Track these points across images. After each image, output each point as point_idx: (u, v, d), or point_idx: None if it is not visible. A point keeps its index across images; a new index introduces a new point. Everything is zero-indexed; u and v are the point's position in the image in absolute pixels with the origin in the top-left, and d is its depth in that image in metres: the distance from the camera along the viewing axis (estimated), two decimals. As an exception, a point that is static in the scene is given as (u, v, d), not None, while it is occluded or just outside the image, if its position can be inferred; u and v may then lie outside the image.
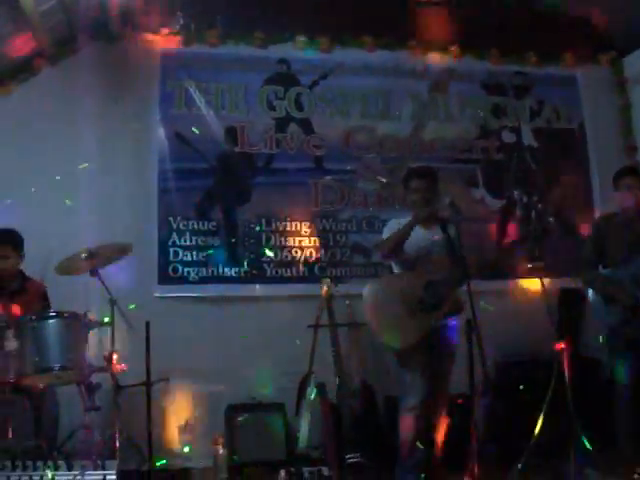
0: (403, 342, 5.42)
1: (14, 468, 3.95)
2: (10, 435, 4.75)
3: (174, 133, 7.04)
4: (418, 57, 7.73)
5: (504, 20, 7.68)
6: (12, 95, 6.87)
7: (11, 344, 4.87)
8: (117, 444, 5.06)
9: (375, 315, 5.60)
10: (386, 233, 5.67)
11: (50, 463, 3.97)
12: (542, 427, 5.11)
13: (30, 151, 6.71)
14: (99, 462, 3.95)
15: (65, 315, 5.08)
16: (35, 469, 3.94)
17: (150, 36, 7.14)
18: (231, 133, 7.18)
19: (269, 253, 7.06)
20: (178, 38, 7.19)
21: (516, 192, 7.60)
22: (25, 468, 3.95)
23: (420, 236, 5.56)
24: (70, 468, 3.91)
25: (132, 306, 5.85)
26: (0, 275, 5.71)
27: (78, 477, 3.83)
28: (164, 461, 6.28)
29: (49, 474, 3.88)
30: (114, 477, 3.84)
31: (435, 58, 7.79)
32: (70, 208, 6.69)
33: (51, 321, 5.01)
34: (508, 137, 7.88)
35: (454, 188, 7.40)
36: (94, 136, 6.83)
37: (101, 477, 3.83)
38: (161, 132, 7.04)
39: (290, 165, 7.27)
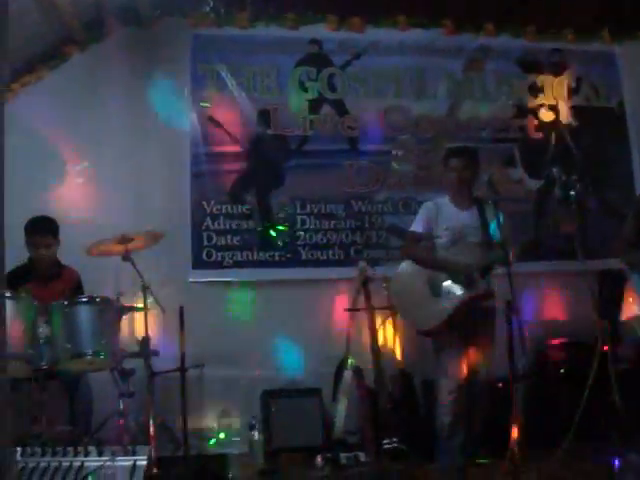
0: (424, 324, 5.49)
1: (44, 454, 3.89)
2: (43, 421, 4.72)
3: (206, 116, 6.97)
4: (452, 35, 7.55)
5: (540, -4, 7.49)
6: (43, 81, 6.83)
7: (44, 330, 4.83)
8: (151, 430, 5.01)
9: (400, 296, 5.72)
10: (419, 219, 5.68)
11: (80, 449, 3.91)
12: (584, 411, 4.99)
13: (62, 136, 6.68)
14: (130, 448, 3.88)
15: (97, 300, 5.04)
16: (65, 455, 3.88)
17: (180, 19, 7.05)
18: (264, 115, 7.11)
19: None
20: (209, 21, 7.09)
21: (555, 171, 7.42)
22: (55, 454, 3.90)
23: (454, 216, 5.52)
24: (101, 454, 3.86)
25: (165, 291, 5.84)
26: (38, 262, 5.73)
27: (108, 463, 3.78)
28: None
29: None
30: (145, 462, 3.78)
31: (470, 36, 7.62)
32: (102, 193, 6.68)
33: (83, 306, 4.98)
34: (546, 116, 7.70)
35: (491, 168, 7.25)
36: (126, 121, 6.85)
37: (131, 462, 3.77)
38: (193, 116, 6.97)
39: (324, 147, 7.18)
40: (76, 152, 6.72)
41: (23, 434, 4.45)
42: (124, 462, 3.80)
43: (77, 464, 3.80)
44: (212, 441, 6.51)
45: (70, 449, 3.91)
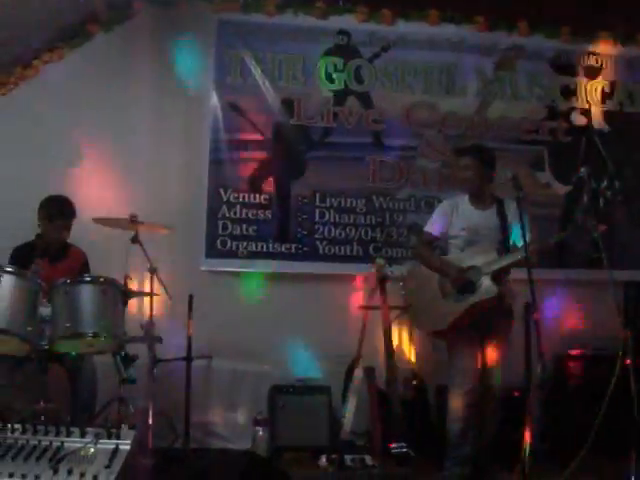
0: (431, 326, 5.53)
1: (24, 431, 3.77)
2: (42, 403, 4.64)
3: (228, 103, 6.85)
4: (484, 32, 7.36)
5: (576, -3, 7.32)
6: (65, 60, 6.75)
7: (45, 310, 4.71)
8: (149, 418, 4.89)
9: (412, 297, 5.71)
10: (432, 220, 5.67)
11: (62, 429, 3.79)
12: (602, 424, 4.81)
13: (82, 117, 6.63)
14: (113, 431, 3.75)
15: (100, 280, 4.89)
16: (46, 434, 3.76)
17: (206, 4, 6.92)
18: (287, 105, 6.97)
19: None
20: (235, 6, 6.95)
21: (584, 174, 7.24)
22: (35, 432, 3.77)
23: (471, 216, 5.47)
24: (83, 435, 3.73)
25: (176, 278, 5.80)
26: (48, 241, 5.69)
27: (89, 445, 3.64)
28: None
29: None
30: (127, 447, 3.64)
31: (502, 34, 7.43)
32: (119, 176, 6.60)
33: (85, 286, 4.83)
34: (577, 119, 7.51)
35: (519, 170, 7.07)
36: (146, 103, 6.79)
37: (114, 446, 3.63)
38: (215, 101, 6.84)
39: (347, 140, 7.03)
40: (94, 134, 6.63)
41: (2, 409, 4.38)
42: (106, 445, 3.65)
43: (57, 444, 3.65)
44: (215, 435, 6.44)
45: (52, 428, 3.78)
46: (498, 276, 5.20)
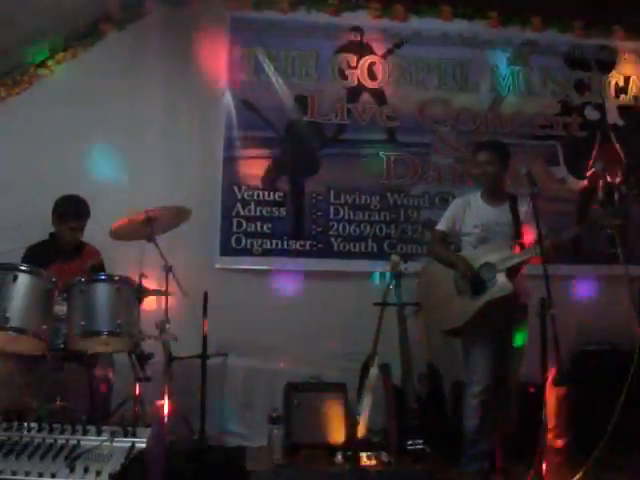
0: (446, 324, 5.47)
1: (40, 429, 3.79)
2: (59, 401, 4.67)
3: (241, 101, 6.85)
4: (497, 28, 7.34)
5: (589, -10, 7.28)
6: (78, 60, 6.73)
7: (60, 308, 4.74)
8: (165, 416, 4.90)
9: (424, 294, 5.74)
10: (444, 217, 5.68)
11: (79, 427, 3.80)
12: (618, 420, 4.78)
13: (96, 116, 6.60)
14: (129, 429, 3.75)
15: (115, 279, 4.92)
16: (63, 432, 3.77)
17: (219, 1, 6.91)
18: (301, 102, 6.96)
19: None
20: (248, 3, 6.94)
21: (599, 172, 7.22)
22: (52, 430, 3.79)
23: (484, 213, 5.46)
24: (99, 433, 3.75)
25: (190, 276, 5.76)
26: (63, 240, 5.71)
27: (105, 443, 3.65)
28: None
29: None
30: (144, 445, 3.65)
31: (515, 29, 7.41)
32: (132, 174, 6.60)
33: (100, 284, 4.87)
34: (591, 114, 7.47)
35: (533, 165, 7.05)
36: (160, 101, 6.77)
37: (129, 444, 3.64)
38: (228, 99, 6.84)
39: (361, 136, 7.02)
40: (108, 133, 6.63)
41: (20, 408, 4.39)
42: (122, 443, 3.66)
43: (73, 442, 3.67)
44: (230, 433, 6.44)
45: (68, 427, 3.79)
46: (513, 273, 5.19)
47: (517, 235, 5.28)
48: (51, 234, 5.77)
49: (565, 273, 6.54)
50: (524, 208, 5.29)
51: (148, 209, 5.35)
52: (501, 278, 5.13)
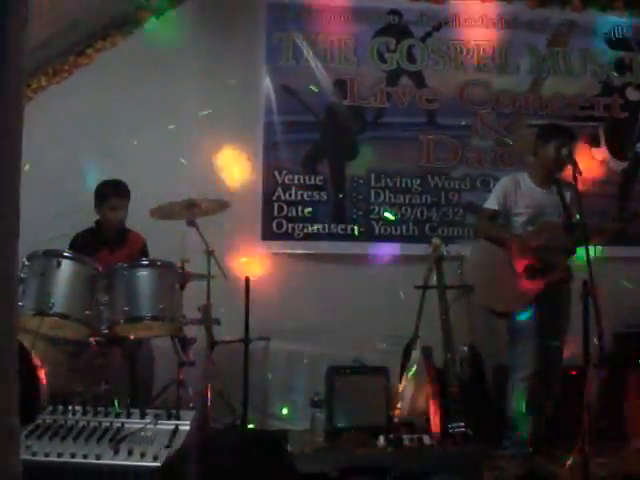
0: (505, 307, 5.41)
1: (85, 413, 3.84)
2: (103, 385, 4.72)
3: (281, 85, 6.86)
4: (536, 8, 7.25)
5: (631, -31, 7.18)
6: (118, 47, 6.76)
7: (103, 294, 4.80)
8: (209, 400, 4.92)
9: (479, 276, 5.65)
10: (494, 195, 5.61)
11: (122, 410, 3.85)
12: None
13: (136, 103, 6.63)
14: (173, 412, 3.80)
15: (158, 264, 4.99)
16: (107, 415, 3.82)
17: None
18: (340, 86, 6.95)
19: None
20: (286, -11, 6.95)
21: (640, 151, 7.17)
22: (96, 414, 3.84)
23: (534, 194, 5.42)
24: (143, 416, 3.79)
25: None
26: (107, 226, 5.74)
27: (149, 425, 3.68)
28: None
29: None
30: (187, 428, 3.67)
31: (555, 10, 7.31)
32: (174, 160, 6.60)
33: (143, 270, 4.96)
34: (633, 95, 7.37)
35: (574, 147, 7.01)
36: (199, 88, 6.78)
37: (173, 427, 3.67)
38: (268, 84, 6.85)
39: (401, 119, 6.99)
40: (147, 120, 6.64)
41: (65, 392, 4.41)
42: (166, 426, 3.70)
43: (117, 425, 3.72)
44: (273, 416, 6.48)
45: (112, 410, 3.85)
46: (569, 255, 5.17)
47: (566, 218, 5.23)
48: (96, 222, 5.81)
49: (609, 255, 6.39)
50: (569, 192, 5.26)
51: (191, 198, 5.41)
52: (559, 259, 5.11)
